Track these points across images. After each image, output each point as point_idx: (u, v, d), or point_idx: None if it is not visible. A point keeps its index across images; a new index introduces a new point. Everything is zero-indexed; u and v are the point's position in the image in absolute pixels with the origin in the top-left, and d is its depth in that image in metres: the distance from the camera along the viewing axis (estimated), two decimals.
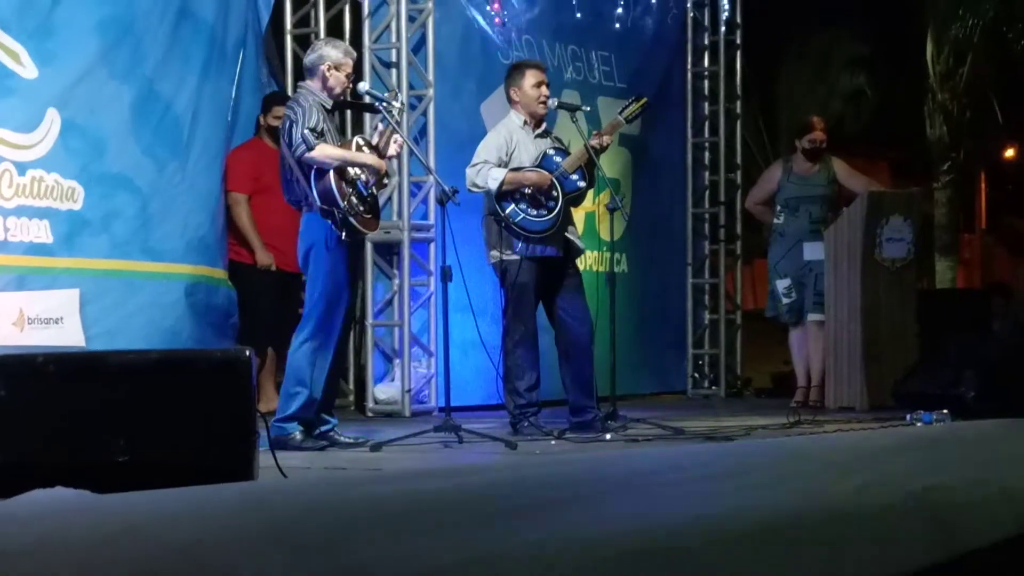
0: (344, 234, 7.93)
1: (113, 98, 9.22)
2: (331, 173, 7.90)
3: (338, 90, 8.16)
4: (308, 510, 4.21)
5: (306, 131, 7.88)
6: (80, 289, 9.01)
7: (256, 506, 4.41)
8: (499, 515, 3.76)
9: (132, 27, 9.33)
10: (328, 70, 8.11)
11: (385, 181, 8.49)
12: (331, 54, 8.17)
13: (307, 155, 7.89)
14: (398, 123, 8.50)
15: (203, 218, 9.83)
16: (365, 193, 8.05)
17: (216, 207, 9.97)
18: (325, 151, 7.90)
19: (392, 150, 8.32)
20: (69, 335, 8.89)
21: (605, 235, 9.98)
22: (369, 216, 8.10)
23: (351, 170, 8.01)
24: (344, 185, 7.94)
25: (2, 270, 8.69)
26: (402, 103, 8.83)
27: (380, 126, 8.56)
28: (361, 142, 8.25)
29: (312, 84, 8.13)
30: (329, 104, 8.14)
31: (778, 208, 11.38)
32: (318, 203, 7.93)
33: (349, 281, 8.13)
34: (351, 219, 7.93)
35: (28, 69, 8.83)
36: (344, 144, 8.15)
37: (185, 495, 4.89)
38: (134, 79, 9.34)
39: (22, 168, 8.76)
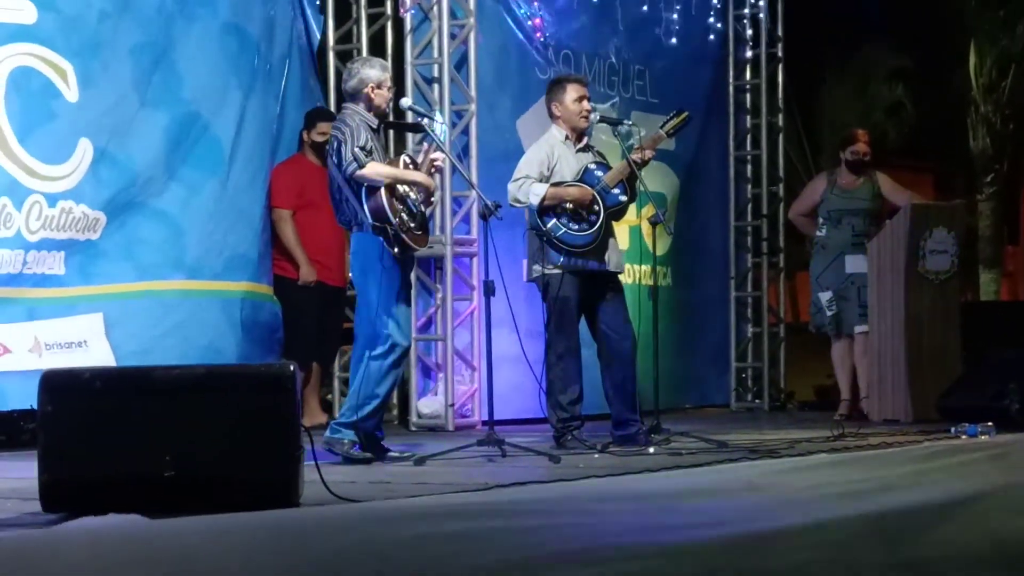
0: (397, 250, 7.98)
1: (145, 125, 9.25)
2: (382, 190, 7.94)
3: (384, 108, 8.26)
4: (351, 547, 4.20)
5: (356, 149, 7.93)
6: (103, 313, 9.07)
7: (301, 541, 4.41)
8: None
9: (167, 53, 9.35)
10: (372, 91, 8.18)
11: (433, 199, 8.53)
12: (371, 75, 8.21)
13: (358, 173, 7.93)
14: (441, 140, 8.53)
15: (245, 234, 9.86)
16: (415, 210, 8.11)
17: (260, 223, 10.01)
18: (376, 169, 7.95)
19: (426, 168, 8.34)
20: (97, 357, 8.96)
21: (649, 248, 9.96)
22: (419, 232, 8.16)
23: (401, 187, 8.06)
24: (395, 202, 7.99)
25: (13, 302, 8.75)
26: (442, 123, 8.86)
27: (425, 144, 8.58)
28: (408, 160, 8.31)
29: (357, 106, 8.18)
30: (375, 123, 8.18)
31: (820, 220, 11.35)
32: (369, 220, 7.96)
33: (405, 297, 8.23)
34: (403, 235, 7.98)
35: (71, 92, 8.89)
36: (391, 162, 8.20)
37: (235, 524, 4.90)
38: (169, 104, 9.38)
39: (52, 200, 8.82)
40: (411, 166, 8.23)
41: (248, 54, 9.88)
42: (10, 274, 8.71)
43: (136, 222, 9.25)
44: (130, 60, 9.17)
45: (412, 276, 10.61)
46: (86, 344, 8.98)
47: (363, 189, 7.97)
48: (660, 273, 12.11)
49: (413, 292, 10.70)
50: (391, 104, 8.36)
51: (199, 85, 9.54)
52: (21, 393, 8.55)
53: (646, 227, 9.83)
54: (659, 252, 10.98)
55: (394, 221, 7.95)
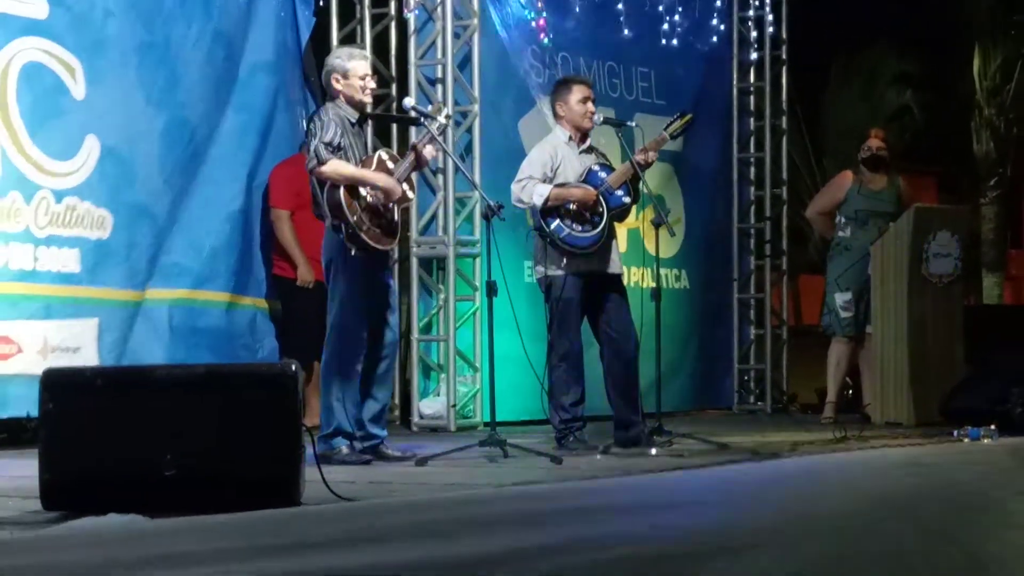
0: (354, 249, 7.94)
1: (147, 124, 9.28)
2: (341, 188, 7.91)
3: (358, 97, 8.10)
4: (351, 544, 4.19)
5: (320, 145, 7.88)
6: (99, 319, 9.06)
7: (300, 539, 4.41)
8: None
9: (167, 52, 9.38)
10: (338, 82, 8.10)
11: (410, 195, 8.40)
12: (335, 64, 8.14)
13: (318, 170, 7.91)
14: (441, 136, 8.49)
15: (228, 244, 9.86)
16: (381, 209, 8.04)
17: (240, 232, 9.97)
18: (336, 167, 7.90)
19: (429, 152, 8.26)
20: (84, 363, 8.92)
21: (651, 251, 9.95)
22: (381, 231, 8.06)
23: (362, 188, 8.00)
24: (354, 201, 7.94)
25: (31, 299, 8.74)
26: (447, 115, 8.77)
27: (417, 138, 8.55)
28: (385, 156, 8.22)
29: (334, 100, 8.12)
30: (354, 116, 8.12)
31: (843, 220, 11.26)
32: (329, 217, 7.95)
33: (370, 293, 8.11)
34: (360, 234, 7.93)
35: (79, 88, 8.90)
36: (367, 158, 8.13)
37: (234, 524, 4.88)
38: (167, 105, 9.41)
39: (59, 196, 8.82)
40: (388, 163, 8.16)
41: (235, 61, 9.89)
42: (23, 270, 8.71)
43: (137, 223, 9.27)
44: (136, 58, 9.19)
45: (414, 276, 10.65)
46: (79, 351, 8.96)
47: (327, 186, 7.94)
48: (673, 275, 12.12)
49: (415, 292, 10.72)
50: (370, 93, 8.19)
51: (190, 89, 9.56)
52: (26, 399, 8.48)
53: (645, 228, 9.80)
54: (668, 254, 10.98)
55: (351, 219, 7.90)
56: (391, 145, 10.94)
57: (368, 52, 8.55)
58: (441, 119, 8.45)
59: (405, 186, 8.17)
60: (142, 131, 9.25)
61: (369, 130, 9.13)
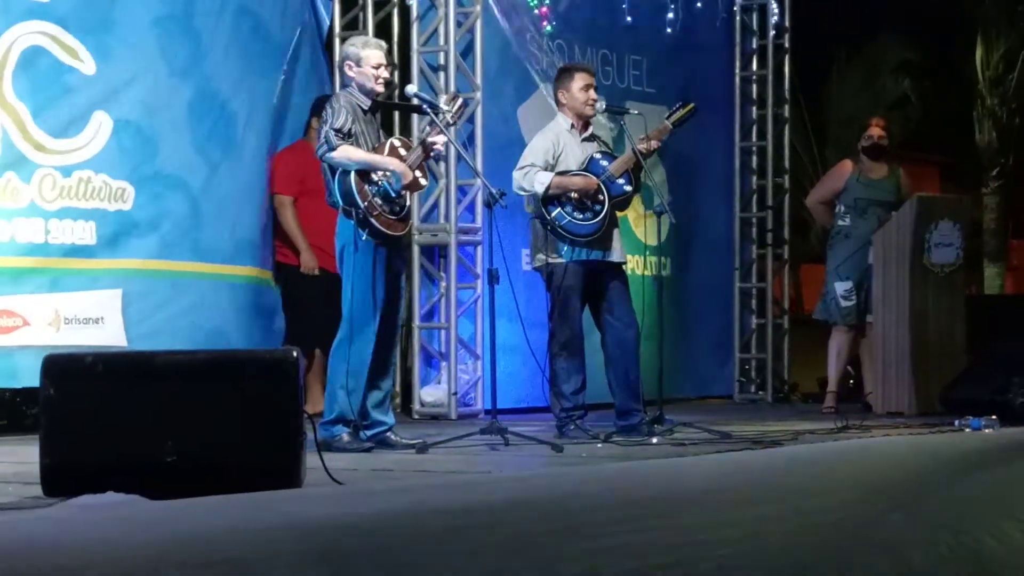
0: (366, 234, 7.94)
1: (171, 96, 9.28)
2: (352, 174, 7.92)
3: (370, 85, 8.12)
4: (354, 527, 4.20)
5: (330, 131, 7.92)
6: (123, 289, 9.04)
7: (304, 520, 4.41)
8: None
9: (191, 24, 9.39)
10: (349, 70, 8.15)
11: (423, 182, 8.41)
12: (348, 51, 8.21)
13: (328, 155, 7.93)
14: (449, 125, 8.48)
15: (253, 219, 9.87)
16: (393, 194, 8.04)
17: (261, 208, 10.01)
18: (346, 152, 7.92)
19: (440, 141, 8.24)
20: (110, 335, 8.93)
21: (649, 239, 9.93)
22: (394, 217, 8.07)
23: (375, 173, 8.01)
24: (366, 186, 7.95)
25: (38, 272, 8.73)
26: (461, 105, 8.73)
27: (428, 128, 8.56)
28: (397, 143, 8.23)
29: (347, 88, 8.15)
30: (367, 104, 8.13)
31: (842, 209, 11.25)
32: (341, 203, 7.96)
33: (382, 281, 8.12)
34: (372, 219, 7.94)
35: (87, 64, 8.90)
36: (379, 146, 8.13)
37: (235, 505, 4.89)
38: (193, 76, 9.40)
39: (67, 171, 8.80)
40: (400, 149, 8.17)
41: (261, 37, 9.89)
42: (33, 243, 8.70)
43: (165, 194, 9.25)
44: (155, 30, 9.17)
45: (415, 263, 10.64)
46: (102, 321, 8.95)
47: (338, 172, 7.96)
48: (662, 263, 12.03)
49: (416, 279, 10.71)
50: (383, 83, 8.21)
51: (217, 62, 9.55)
52: (36, 370, 8.53)
53: (634, 215, 9.74)
54: (656, 242, 10.98)
55: (362, 205, 7.91)
56: (391, 133, 10.92)
57: (382, 41, 8.53)
58: (447, 108, 8.43)
59: (418, 173, 8.18)
60: (165, 102, 9.24)
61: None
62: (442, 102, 8.55)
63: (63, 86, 8.81)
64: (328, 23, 10.69)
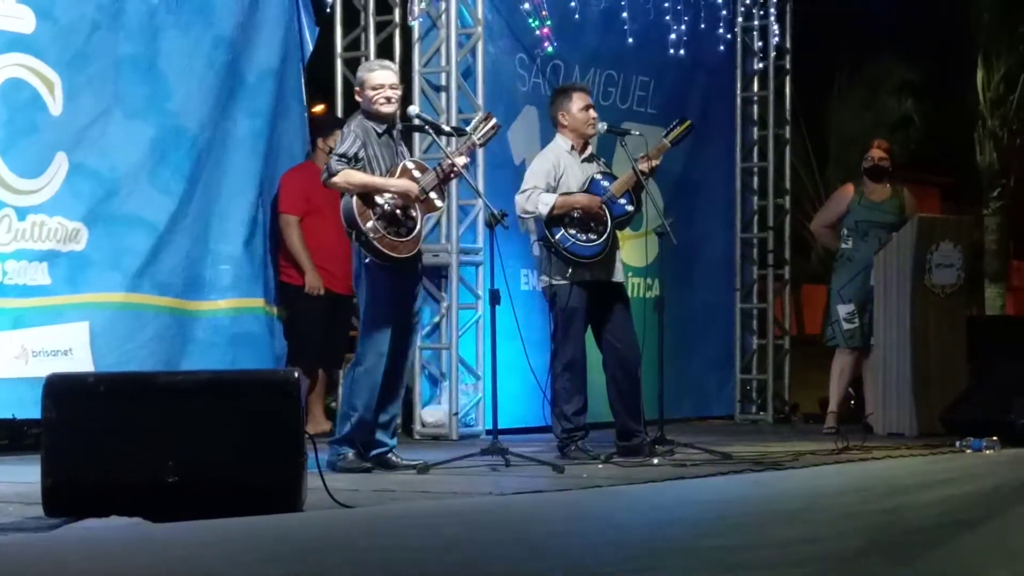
0: (369, 258, 7.96)
1: (129, 137, 9.27)
2: (353, 197, 7.96)
3: (380, 109, 8.13)
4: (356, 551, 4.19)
5: (333, 157, 8.00)
6: (89, 322, 9.09)
7: (304, 545, 4.41)
8: None
9: (154, 64, 9.39)
10: (357, 93, 8.23)
11: (438, 204, 8.40)
12: (359, 76, 8.27)
13: (330, 181, 8.01)
14: (475, 146, 8.46)
15: (230, 247, 9.86)
16: (401, 216, 8.04)
17: (247, 233, 9.98)
18: (347, 177, 7.96)
19: (460, 163, 8.23)
20: (78, 364, 8.98)
21: (649, 260, 9.95)
22: (400, 239, 8.05)
23: (379, 196, 8.02)
24: (368, 209, 7.96)
25: (1, 312, 8.76)
26: (495, 125, 8.65)
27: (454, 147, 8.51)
28: (411, 165, 8.24)
29: (360, 113, 8.19)
30: (380, 127, 8.14)
31: (845, 232, 11.24)
32: (345, 227, 7.99)
33: (391, 304, 8.13)
34: (373, 242, 7.95)
35: (56, 105, 8.93)
36: (392, 168, 8.13)
37: (237, 528, 4.89)
38: (156, 115, 9.40)
39: (22, 213, 8.84)
40: (414, 172, 8.17)
41: (238, 65, 9.88)
42: None
43: (123, 232, 9.27)
44: (115, 72, 9.20)
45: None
46: (71, 352, 9.00)
47: (343, 196, 8.01)
48: (647, 284, 12.00)
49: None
50: (399, 104, 8.24)
51: (187, 96, 9.56)
52: (4, 401, 8.69)
53: (622, 236, 9.66)
54: (639, 264, 10.98)
55: (364, 227, 7.93)
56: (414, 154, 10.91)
57: (390, 63, 8.54)
58: (480, 129, 8.41)
59: (434, 195, 8.18)
60: (122, 144, 9.23)
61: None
62: (474, 123, 8.55)
63: (32, 125, 8.84)
64: (312, 47, 10.65)
